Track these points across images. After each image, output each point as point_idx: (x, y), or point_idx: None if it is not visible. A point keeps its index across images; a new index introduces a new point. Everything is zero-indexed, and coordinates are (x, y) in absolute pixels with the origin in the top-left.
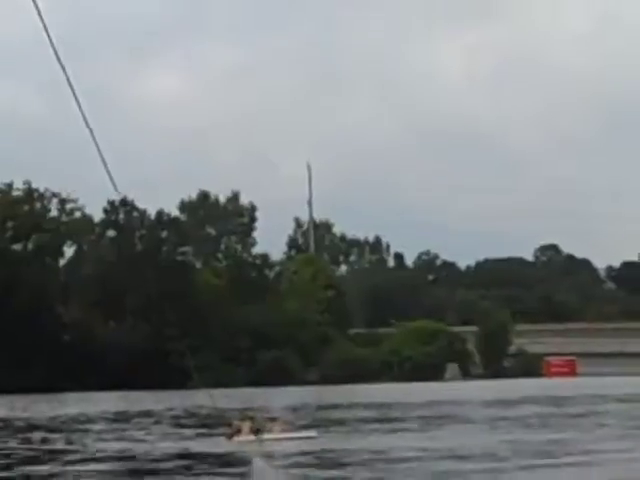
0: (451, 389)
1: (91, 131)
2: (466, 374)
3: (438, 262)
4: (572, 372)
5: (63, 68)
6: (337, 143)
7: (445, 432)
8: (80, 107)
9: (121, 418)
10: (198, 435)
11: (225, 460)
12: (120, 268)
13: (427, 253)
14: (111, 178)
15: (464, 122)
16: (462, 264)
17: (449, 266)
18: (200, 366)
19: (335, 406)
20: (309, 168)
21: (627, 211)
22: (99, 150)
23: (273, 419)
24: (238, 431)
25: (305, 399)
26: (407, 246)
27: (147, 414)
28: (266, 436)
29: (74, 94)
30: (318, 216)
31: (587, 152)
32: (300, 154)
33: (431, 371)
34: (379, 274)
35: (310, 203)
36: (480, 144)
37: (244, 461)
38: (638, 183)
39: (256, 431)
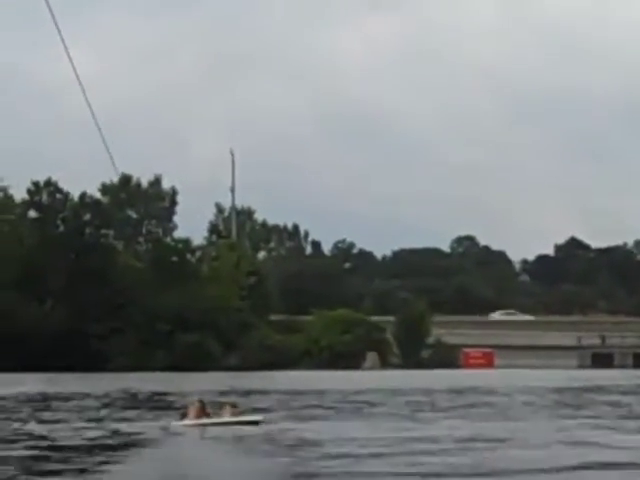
0: (372, 378)
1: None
2: (384, 364)
3: (354, 251)
4: (490, 364)
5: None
6: (253, 128)
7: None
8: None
9: (49, 399)
10: (138, 418)
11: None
12: (42, 249)
13: (343, 241)
14: (112, 158)
15: (375, 110)
16: (378, 253)
17: (365, 255)
18: (119, 349)
19: (260, 392)
20: (232, 154)
21: (542, 204)
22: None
23: (222, 403)
24: (188, 413)
25: (228, 384)
26: (324, 234)
27: (75, 396)
28: (216, 419)
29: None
30: (239, 202)
31: (500, 143)
32: (216, 138)
33: (350, 360)
34: (296, 262)
35: (233, 189)
36: (393, 133)
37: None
38: (552, 176)
39: (206, 414)
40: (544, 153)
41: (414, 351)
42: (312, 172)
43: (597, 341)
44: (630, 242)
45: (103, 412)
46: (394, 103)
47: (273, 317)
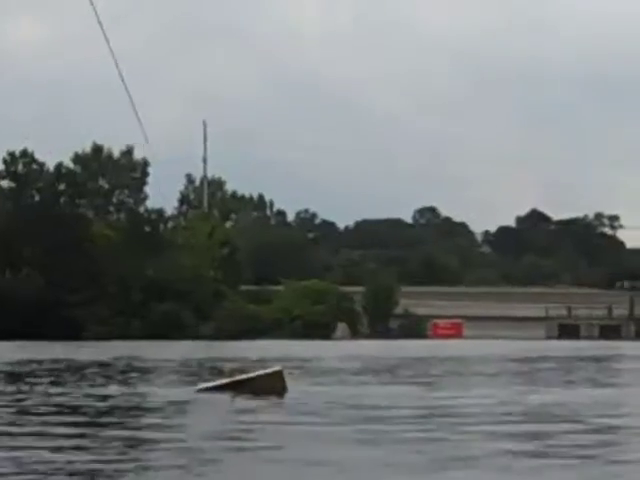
0: (351, 347)
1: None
2: (354, 334)
3: (317, 221)
4: (458, 334)
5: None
6: (213, 97)
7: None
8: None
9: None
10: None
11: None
12: (17, 219)
13: (306, 211)
14: (143, 130)
15: (329, 81)
16: (340, 224)
17: (328, 225)
18: (94, 318)
19: (253, 360)
20: (205, 125)
21: (503, 175)
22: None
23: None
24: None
25: (215, 352)
26: (287, 204)
27: (77, 365)
28: (242, 376)
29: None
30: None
31: (460, 114)
32: (177, 108)
33: (321, 329)
34: (262, 231)
35: (205, 160)
36: (354, 104)
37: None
38: (513, 148)
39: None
40: (505, 124)
41: (383, 321)
42: (274, 142)
43: (564, 312)
44: (591, 215)
45: (120, 378)
46: (356, 74)
47: (243, 287)
